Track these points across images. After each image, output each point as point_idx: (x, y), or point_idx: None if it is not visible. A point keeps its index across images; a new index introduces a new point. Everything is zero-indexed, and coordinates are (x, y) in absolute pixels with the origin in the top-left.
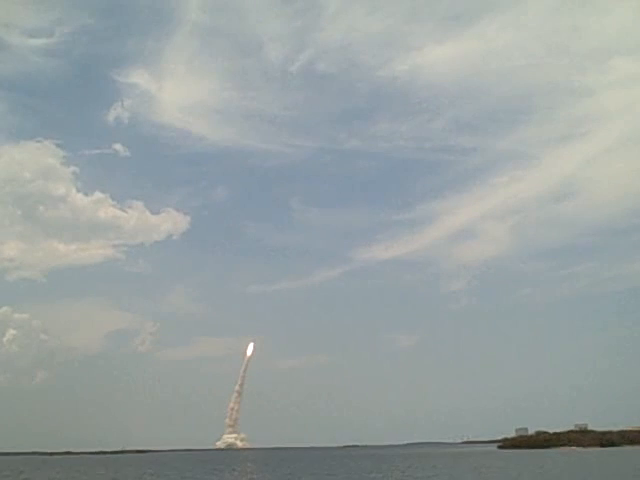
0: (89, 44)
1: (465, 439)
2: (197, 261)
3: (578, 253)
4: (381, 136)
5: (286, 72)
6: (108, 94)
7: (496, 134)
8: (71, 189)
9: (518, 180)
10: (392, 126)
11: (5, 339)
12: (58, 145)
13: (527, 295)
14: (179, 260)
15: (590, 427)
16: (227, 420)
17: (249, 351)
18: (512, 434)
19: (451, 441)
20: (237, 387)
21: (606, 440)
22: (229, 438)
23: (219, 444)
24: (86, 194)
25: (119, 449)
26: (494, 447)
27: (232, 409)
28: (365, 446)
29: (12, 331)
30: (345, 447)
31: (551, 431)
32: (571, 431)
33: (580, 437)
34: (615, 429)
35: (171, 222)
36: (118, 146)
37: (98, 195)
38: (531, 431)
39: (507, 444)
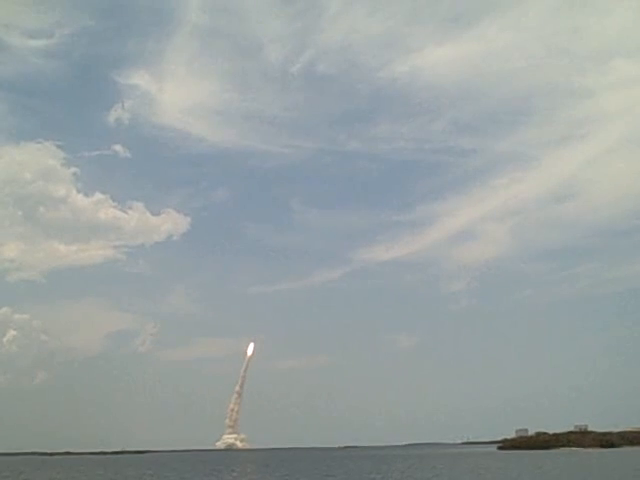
0: (89, 45)
1: (465, 440)
2: (197, 262)
3: (578, 254)
4: (381, 137)
5: (286, 73)
6: (108, 95)
7: (496, 135)
8: (71, 190)
9: (518, 181)
10: (392, 127)
11: (5, 340)
12: (58, 146)
13: (527, 296)
14: (179, 261)
15: (590, 428)
16: (227, 421)
17: (249, 351)
18: (512, 435)
19: (451, 442)
20: (237, 388)
21: (606, 441)
22: (229, 439)
23: (219, 445)
24: (86, 195)
25: (119, 449)
26: (494, 448)
27: (232, 410)
28: (365, 447)
29: (12, 332)
30: (345, 448)
31: (551, 432)
32: (571, 432)
33: (580, 438)
34: (615, 430)
35: (171, 223)
36: (118, 147)
37: (98, 196)
38: (531, 432)
39: (507, 445)
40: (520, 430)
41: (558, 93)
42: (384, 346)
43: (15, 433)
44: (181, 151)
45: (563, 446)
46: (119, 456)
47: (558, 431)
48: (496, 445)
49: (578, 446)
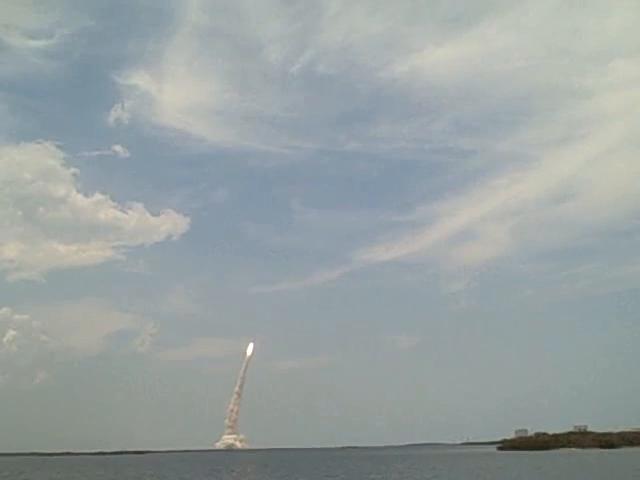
0: (89, 45)
1: (465, 440)
2: (197, 262)
3: (578, 254)
4: (381, 138)
5: (286, 74)
6: (108, 95)
7: (496, 136)
8: (71, 190)
9: (518, 182)
10: (392, 128)
11: (5, 340)
12: (58, 146)
13: (527, 296)
14: (179, 261)
15: (590, 428)
16: (226, 421)
17: (249, 351)
18: (512, 435)
19: (451, 442)
20: (237, 388)
21: (606, 441)
22: (228, 439)
23: (218, 445)
24: (86, 195)
25: (119, 450)
26: (494, 448)
27: (231, 410)
28: (365, 447)
29: (12, 332)
30: (345, 448)
31: (551, 432)
32: (571, 432)
33: (580, 438)
34: (615, 430)
35: (171, 223)
36: (118, 147)
37: (98, 196)
38: (531, 432)
39: (507, 445)
40: (520, 430)
41: (558, 93)
42: (384, 346)
43: (15, 433)
44: (181, 151)
45: (563, 447)
46: (119, 456)
47: (558, 432)
48: (496, 445)
49: (578, 447)
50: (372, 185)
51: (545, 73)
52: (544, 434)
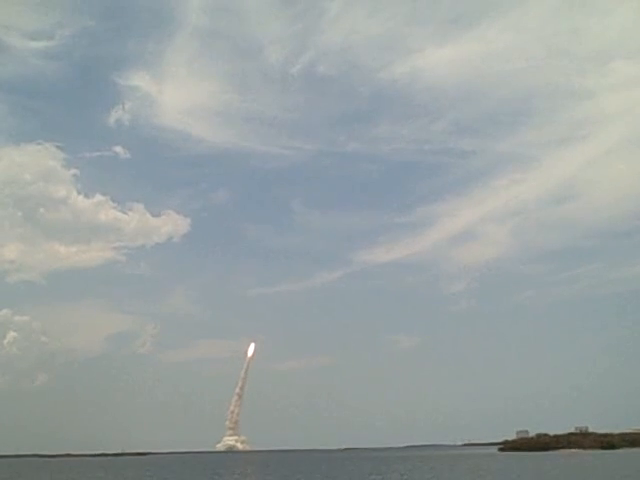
0: (90, 46)
1: (465, 441)
2: (198, 263)
3: (579, 255)
4: (381, 138)
5: (286, 74)
6: (109, 96)
7: (496, 136)
8: (72, 191)
9: (518, 182)
10: (392, 128)
11: (5, 341)
12: (59, 147)
13: (527, 297)
14: (180, 262)
15: (591, 429)
16: (227, 422)
17: (250, 351)
18: (512, 436)
19: (452, 443)
20: (237, 389)
21: (607, 442)
22: (229, 440)
23: (219, 446)
24: (87, 196)
25: (119, 451)
26: (495, 449)
27: (232, 411)
28: (365, 448)
29: (12, 333)
30: (346, 449)
31: (552, 433)
32: (572, 433)
33: (581, 439)
34: (616, 431)
35: (171, 224)
36: (119, 148)
37: (99, 197)
38: (532, 433)
39: (508, 446)
40: (520, 431)
41: (558, 94)
42: (384, 347)
43: (15, 435)
44: (181, 152)
45: (564, 447)
46: (119, 458)
47: (559, 432)
48: (497, 446)
49: (579, 447)
50: (372, 186)
51: (545, 74)
52: (545, 435)
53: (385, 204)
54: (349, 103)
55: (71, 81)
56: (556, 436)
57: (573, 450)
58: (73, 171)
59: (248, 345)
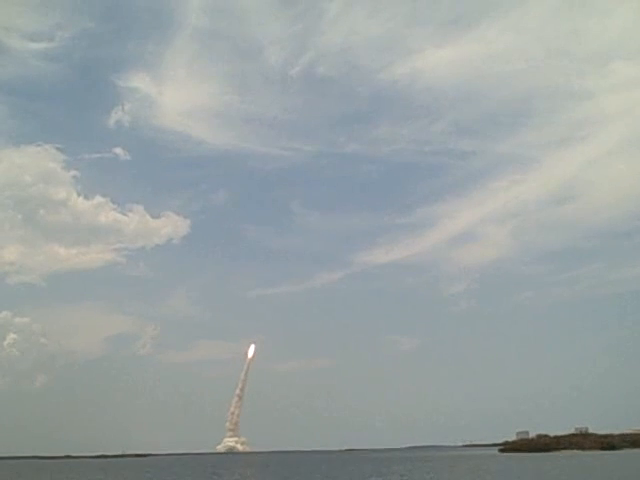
0: (89, 48)
1: (466, 442)
2: (198, 264)
3: (579, 256)
4: (381, 139)
5: (286, 75)
6: (109, 98)
7: (496, 137)
8: (72, 193)
9: (518, 183)
10: (392, 129)
11: (5, 343)
12: (59, 149)
13: (527, 298)
14: (180, 264)
15: (591, 430)
16: (228, 424)
17: (250, 352)
18: (513, 437)
19: (452, 444)
20: (238, 391)
21: (607, 443)
22: (230, 442)
23: (220, 448)
24: (87, 198)
25: (119, 453)
26: (495, 450)
27: (233, 413)
28: (366, 449)
29: (12, 335)
30: (346, 450)
31: (552, 434)
32: (572, 434)
33: (581, 440)
34: (616, 432)
35: (171, 226)
36: (119, 150)
37: (99, 199)
38: (532, 434)
39: (508, 447)
40: (521, 432)
41: (558, 95)
42: (384, 348)
43: (15, 437)
44: (181, 154)
45: (564, 448)
46: (119, 459)
47: (559, 433)
48: (497, 447)
49: (579, 448)
50: (372, 187)
51: (545, 74)
52: (545, 436)
53: (385, 205)
54: (349, 104)
55: (71, 82)
56: (556, 437)
57: (573, 451)
58: (73, 173)
59: (248, 346)
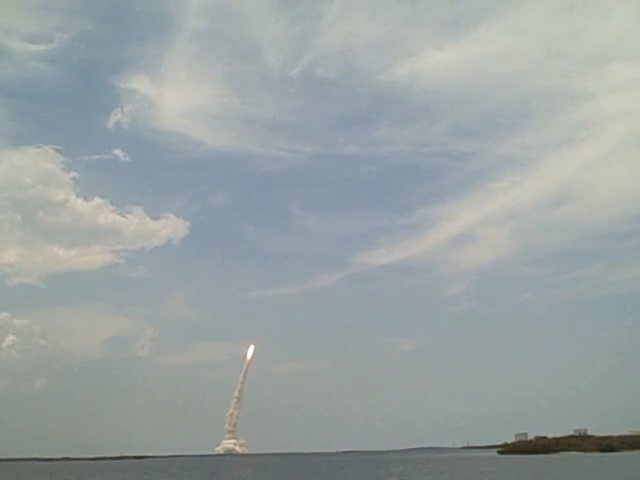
0: (89, 50)
1: (465, 444)
2: (197, 266)
3: (578, 257)
4: (381, 141)
5: (285, 77)
6: (108, 100)
7: (496, 139)
8: (71, 194)
9: (518, 184)
10: (392, 131)
11: (4, 345)
12: (58, 150)
13: (527, 299)
14: (179, 265)
15: (590, 432)
16: (226, 426)
17: (249, 353)
18: (512, 439)
19: (451, 446)
20: (236, 393)
21: (606, 445)
22: (228, 444)
23: (218, 450)
24: (86, 199)
25: (118, 455)
26: (494, 452)
27: (231, 415)
28: (365, 451)
29: (11, 337)
30: (345, 452)
31: (551, 436)
32: (571, 436)
33: (580, 442)
34: (615, 434)
35: (171, 227)
36: (118, 151)
37: (98, 200)
38: (531, 436)
39: (507, 449)
40: (520, 434)
41: (557, 96)
42: (384, 350)
43: (14, 438)
44: (180, 155)
45: (563, 450)
46: (118, 461)
47: (558, 435)
48: (496, 449)
49: (578, 450)
50: (372, 188)
51: (544, 76)
52: (544, 438)
53: (384, 206)
54: (348, 105)
55: (70, 84)
56: (555, 439)
57: (572, 453)
58: (72, 174)
59: (247, 348)
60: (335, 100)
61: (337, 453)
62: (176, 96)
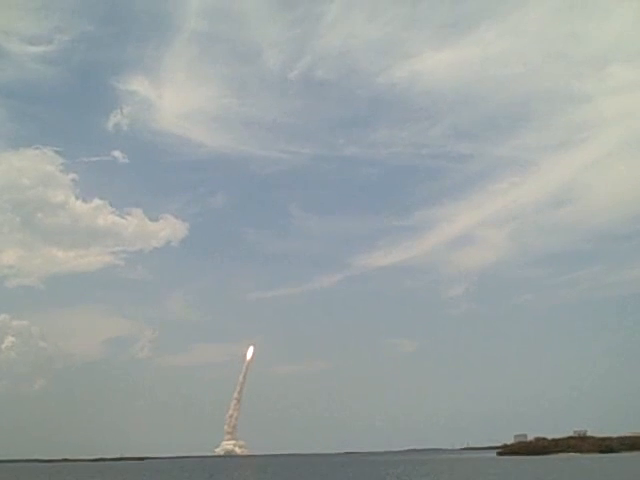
0: (88, 51)
1: (464, 445)
2: (196, 267)
3: (578, 259)
4: (380, 142)
5: (285, 79)
6: (107, 101)
7: (495, 140)
8: (70, 196)
9: (517, 186)
10: (391, 132)
11: (4, 346)
12: (57, 152)
13: (526, 301)
14: (178, 267)
15: (589, 433)
16: (226, 427)
17: (249, 354)
18: (511, 440)
19: (450, 447)
20: (236, 394)
21: (605, 446)
22: (228, 445)
23: (218, 451)
24: (85, 201)
25: (118, 456)
26: (493, 453)
27: (231, 416)
28: (365, 452)
29: (11, 338)
30: (345, 453)
31: (550, 437)
32: (570, 437)
33: (579, 443)
34: (614, 435)
35: (170, 229)
36: (117, 153)
37: (97, 202)
38: (530, 437)
39: (506, 450)
40: (519, 435)
41: (557, 98)
42: (383, 351)
43: (13, 440)
44: (180, 157)
45: (562, 451)
46: (118, 463)
47: (557, 436)
48: (495, 451)
49: (577, 451)
50: (371, 190)
51: (543, 78)
52: (543, 439)
53: (384, 208)
54: (347, 107)
55: (70, 86)
56: (555, 440)
57: (572, 454)
58: (71, 176)
59: (247, 349)
60: (334, 102)
61: (337, 454)
62: (175, 98)
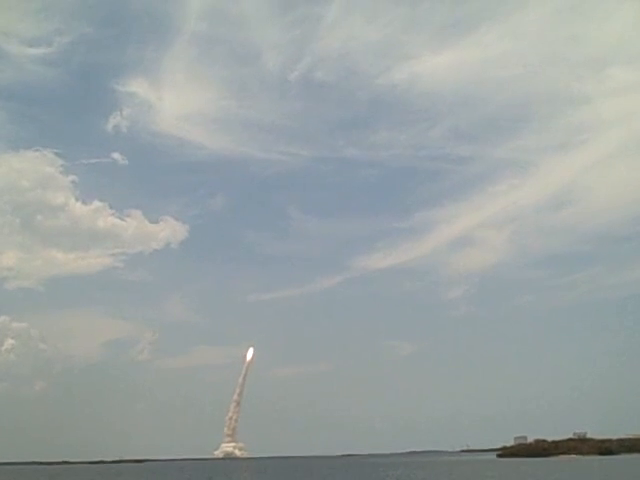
0: (88, 53)
1: (464, 447)
2: (196, 270)
3: (578, 260)
4: (380, 144)
5: (284, 80)
6: (107, 103)
7: (495, 142)
8: (70, 198)
9: (517, 188)
10: (391, 134)
11: (3, 348)
12: (57, 154)
13: (526, 302)
14: (178, 269)
15: (589, 435)
16: (225, 429)
17: (249, 355)
18: (511, 442)
19: (450, 449)
20: (235, 396)
21: (605, 448)
22: (227, 447)
23: (217, 453)
24: (85, 203)
25: (117, 458)
26: (493, 456)
27: (230, 418)
28: (364, 455)
29: (10, 340)
30: (345, 456)
31: (550, 439)
32: (570, 439)
33: (579, 445)
34: (614, 437)
35: (170, 231)
36: (117, 155)
37: (97, 204)
38: (530, 439)
39: (506, 453)
40: (519, 437)
41: (556, 100)
42: (383, 353)
43: (13, 442)
44: (179, 158)
45: (562, 453)
46: (117, 465)
47: (557, 438)
48: (495, 453)
49: (577, 453)
50: (371, 191)
51: (543, 80)
52: (543, 441)
53: (383, 210)
54: (347, 109)
55: (69, 88)
56: (554, 442)
57: (572, 456)
58: (71, 177)
59: (246, 351)
60: (334, 103)
61: (336, 456)
62: (175, 99)
